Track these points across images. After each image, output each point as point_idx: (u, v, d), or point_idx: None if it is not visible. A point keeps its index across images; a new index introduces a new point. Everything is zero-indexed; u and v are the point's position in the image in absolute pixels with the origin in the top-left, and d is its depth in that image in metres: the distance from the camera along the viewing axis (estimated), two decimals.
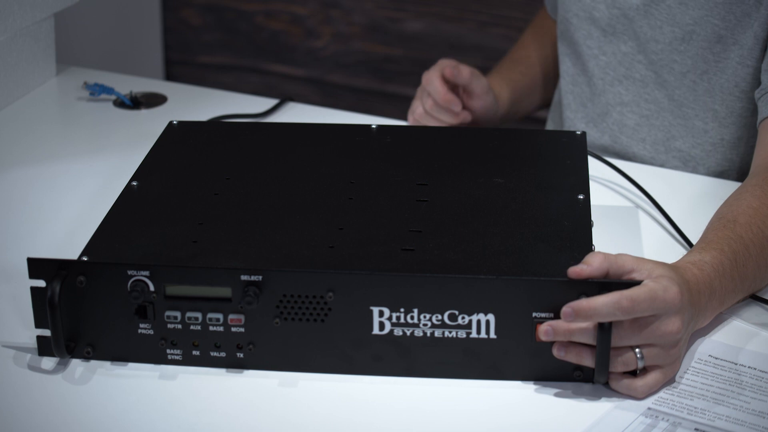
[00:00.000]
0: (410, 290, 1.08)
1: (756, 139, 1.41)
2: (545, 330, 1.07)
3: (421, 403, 1.09)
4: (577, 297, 1.06)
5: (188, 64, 2.71)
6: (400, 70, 2.55)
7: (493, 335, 1.09)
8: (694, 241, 1.27)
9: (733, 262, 1.16)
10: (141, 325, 1.12)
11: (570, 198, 1.22)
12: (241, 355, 1.12)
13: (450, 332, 1.09)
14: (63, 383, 1.11)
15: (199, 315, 1.11)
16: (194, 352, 1.12)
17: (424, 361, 1.11)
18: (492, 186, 1.25)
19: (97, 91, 1.71)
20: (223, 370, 1.13)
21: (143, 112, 1.69)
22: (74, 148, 1.58)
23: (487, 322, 1.09)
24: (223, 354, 1.12)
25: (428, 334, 1.10)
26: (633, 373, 1.09)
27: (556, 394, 1.10)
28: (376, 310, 1.09)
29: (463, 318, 1.09)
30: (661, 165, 1.57)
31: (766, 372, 1.12)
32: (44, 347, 1.13)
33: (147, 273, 1.10)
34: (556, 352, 1.08)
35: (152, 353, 1.13)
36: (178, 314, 1.11)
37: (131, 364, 1.13)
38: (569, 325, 1.06)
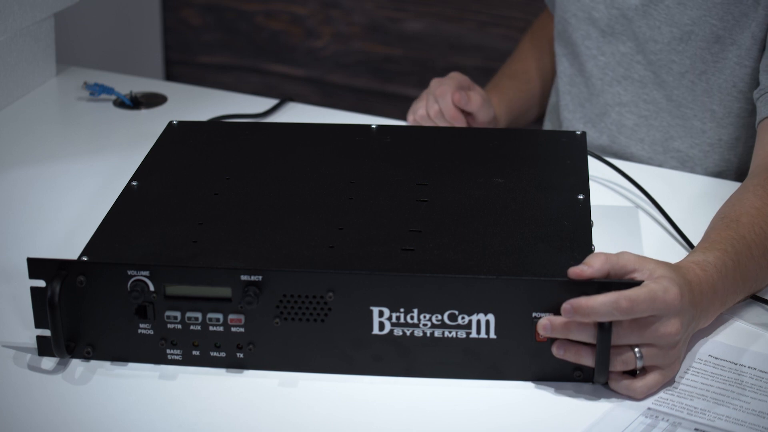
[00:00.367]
0: (410, 290, 1.08)
1: (754, 139, 1.41)
2: (544, 324, 1.07)
3: (421, 403, 1.09)
4: (578, 296, 1.06)
5: (188, 64, 2.71)
6: (400, 70, 2.55)
7: (493, 335, 1.09)
8: (694, 241, 1.27)
9: (736, 262, 1.15)
10: (141, 325, 1.12)
11: (570, 198, 1.22)
12: (241, 355, 1.12)
13: (450, 332, 1.09)
14: (63, 383, 1.11)
15: (199, 315, 1.11)
16: (194, 352, 1.12)
17: (424, 361, 1.11)
18: (492, 186, 1.25)
19: (97, 91, 1.71)
20: (223, 370, 1.13)
21: (143, 112, 1.69)
22: (74, 148, 1.58)
23: (487, 322, 1.09)
24: (223, 354, 1.12)
25: (428, 334, 1.10)
26: (632, 374, 1.09)
27: (556, 394, 1.10)
28: (376, 310, 1.09)
29: (463, 318, 1.09)
30: (659, 165, 1.57)
31: (766, 372, 1.12)
32: (44, 347, 1.13)
33: (147, 273, 1.10)
34: (556, 351, 1.08)
35: (152, 353, 1.13)
36: (178, 314, 1.11)
37: (131, 364, 1.13)
38: (568, 321, 1.06)
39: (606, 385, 1.09)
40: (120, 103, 1.70)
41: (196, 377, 1.12)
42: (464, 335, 1.09)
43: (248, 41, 2.65)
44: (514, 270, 1.09)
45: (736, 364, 1.13)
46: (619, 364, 1.07)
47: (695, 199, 1.45)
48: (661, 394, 1.09)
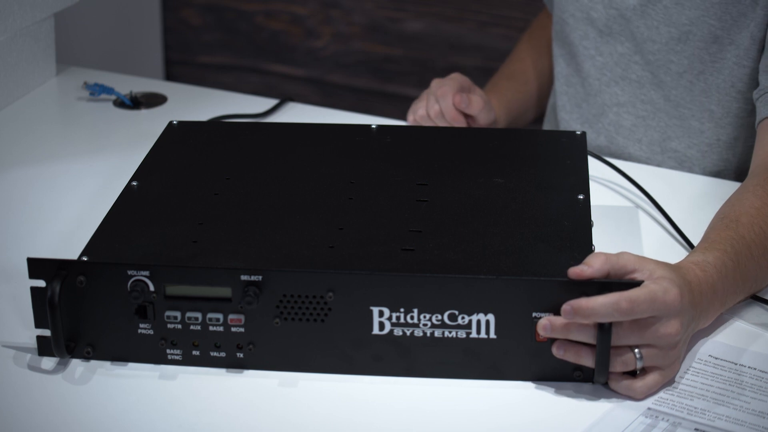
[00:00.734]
0: (410, 290, 1.08)
1: (753, 139, 1.41)
2: (544, 325, 1.07)
3: (421, 403, 1.09)
4: (578, 297, 1.06)
5: (188, 64, 2.71)
6: (400, 70, 2.55)
7: (493, 335, 1.09)
8: (694, 241, 1.28)
9: (736, 263, 1.15)
10: (141, 325, 1.12)
11: (570, 198, 1.22)
12: (241, 355, 1.12)
13: (450, 332, 1.09)
14: (63, 383, 1.11)
15: (199, 315, 1.11)
16: (194, 352, 1.12)
17: (424, 361, 1.11)
18: (492, 186, 1.25)
19: (97, 91, 1.71)
20: (223, 370, 1.13)
21: (143, 112, 1.69)
22: (74, 148, 1.58)
23: (487, 322, 1.09)
24: (223, 354, 1.12)
25: (428, 334, 1.10)
26: (632, 374, 1.09)
27: (556, 394, 1.10)
28: (376, 310, 1.09)
29: (463, 318, 1.09)
30: (657, 165, 1.57)
31: (766, 372, 1.12)
32: (44, 347, 1.13)
33: (147, 273, 1.10)
34: (556, 351, 1.08)
35: (152, 353, 1.13)
36: (178, 314, 1.11)
37: (131, 364, 1.13)
38: (568, 322, 1.06)
39: (606, 385, 1.09)
40: (120, 103, 1.70)
41: (196, 377, 1.12)
42: (464, 335, 1.09)
43: (248, 41, 2.65)
44: (514, 270, 1.09)
45: (736, 364, 1.13)
46: (619, 364, 1.07)
47: (695, 199, 1.45)
48: (661, 394, 1.09)
